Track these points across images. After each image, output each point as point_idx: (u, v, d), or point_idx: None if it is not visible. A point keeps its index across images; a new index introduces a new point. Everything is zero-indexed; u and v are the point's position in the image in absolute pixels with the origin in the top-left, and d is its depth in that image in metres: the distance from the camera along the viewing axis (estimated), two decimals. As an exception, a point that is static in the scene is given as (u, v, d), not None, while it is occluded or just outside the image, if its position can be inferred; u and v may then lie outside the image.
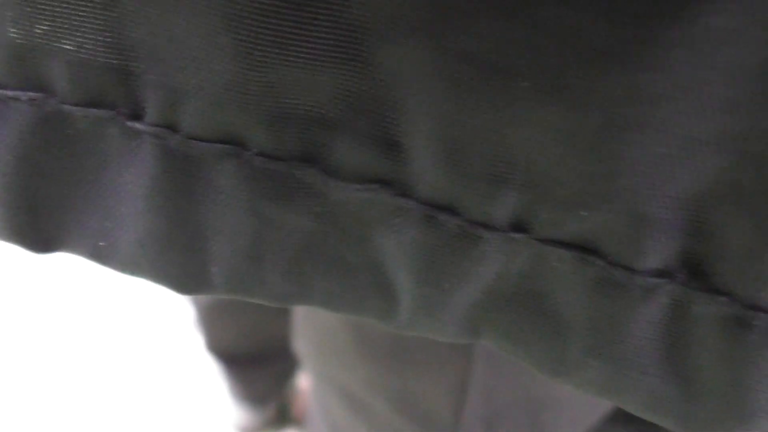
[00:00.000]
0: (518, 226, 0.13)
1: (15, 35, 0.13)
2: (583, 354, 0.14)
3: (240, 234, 0.14)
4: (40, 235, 0.15)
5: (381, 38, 0.11)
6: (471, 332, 0.15)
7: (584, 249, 0.13)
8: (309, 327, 0.34)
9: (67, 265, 0.94)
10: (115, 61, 0.13)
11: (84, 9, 0.13)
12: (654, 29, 0.10)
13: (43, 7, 0.13)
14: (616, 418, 0.33)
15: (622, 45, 0.11)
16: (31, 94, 0.14)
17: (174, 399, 0.82)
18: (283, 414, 0.81)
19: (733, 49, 0.10)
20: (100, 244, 0.15)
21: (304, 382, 0.80)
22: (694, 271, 0.13)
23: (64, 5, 0.13)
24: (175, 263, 0.15)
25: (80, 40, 0.13)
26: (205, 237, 0.14)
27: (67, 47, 0.13)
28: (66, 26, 0.13)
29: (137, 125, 0.14)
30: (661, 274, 0.13)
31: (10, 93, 0.14)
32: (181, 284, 0.15)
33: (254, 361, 0.74)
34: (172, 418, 0.80)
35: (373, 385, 0.31)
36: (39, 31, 0.13)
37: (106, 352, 0.86)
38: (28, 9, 0.13)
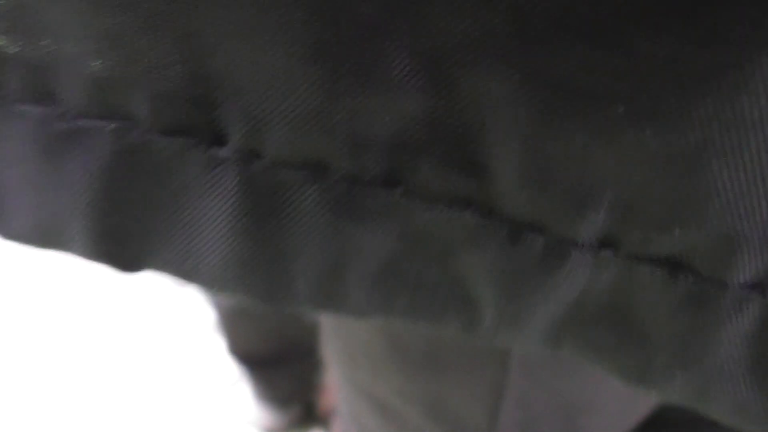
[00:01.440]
0: (607, 244, 0.13)
1: (99, 67, 0.14)
2: (669, 365, 0.14)
3: (323, 255, 0.15)
4: (126, 257, 0.16)
5: (464, 65, 0.12)
6: (554, 344, 0.15)
7: (674, 265, 0.13)
8: (339, 335, 0.34)
9: (88, 272, 0.95)
10: (197, 91, 0.13)
11: (167, 42, 0.13)
12: (752, 55, 0.10)
13: (128, 40, 0.13)
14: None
15: (719, 70, 0.11)
16: (114, 124, 0.14)
17: (198, 400, 0.82)
18: (309, 414, 0.82)
19: None
20: (186, 264, 0.16)
21: (329, 381, 0.80)
22: None
23: (149, 39, 0.13)
24: (261, 281, 0.15)
25: (163, 71, 0.13)
26: (288, 258, 0.15)
27: (151, 78, 0.13)
28: (149, 59, 0.13)
29: (220, 152, 0.14)
30: (751, 287, 0.13)
31: (95, 123, 0.14)
32: (267, 299, 0.16)
33: (276, 362, 0.74)
34: (196, 419, 0.81)
35: (406, 394, 0.30)
36: (123, 63, 0.13)
37: (129, 357, 0.87)
38: (114, 43, 0.13)
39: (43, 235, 0.16)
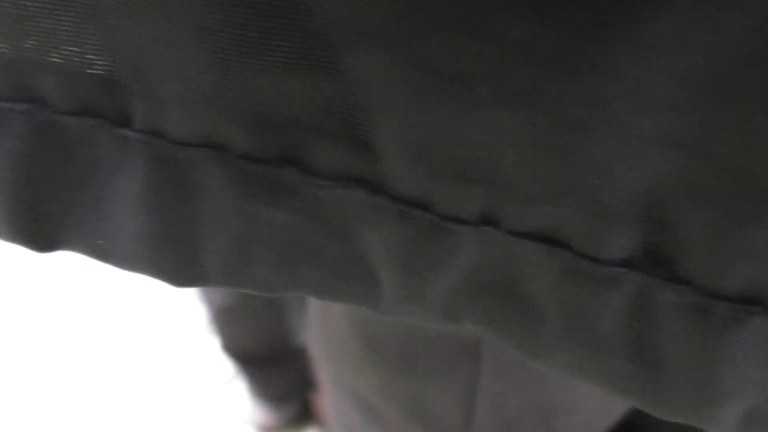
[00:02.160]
0: (487, 220, 0.14)
1: (5, 50, 0.14)
2: (556, 338, 0.15)
3: (228, 231, 0.15)
4: (41, 235, 0.16)
5: (348, 47, 0.12)
6: (452, 317, 0.16)
7: (551, 241, 0.14)
8: (321, 333, 0.34)
9: (84, 271, 0.95)
10: (101, 72, 0.14)
11: (69, 24, 0.13)
12: (600, 37, 0.11)
13: (31, 23, 0.14)
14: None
15: (570, 52, 0.11)
16: (24, 105, 0.15)
17: (193, 397, 0.83)
18: (304, 412, 0.82)
19: (676, 54, 0.11)
20: (99, 242, 0.16)
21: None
22: (656, 261, 0.13)
23: (51, 21, 0.13)
24: (169, 259, 0.16)
25: (67, 53, 0.14)
26: (195, 234, 0.15)
27: (55, 60, 0.14)
28: (53, 41, 0.14)
29: (126, 132, 0.15)
30: (624, 263, 0.14)
31: (4, 105, 0.15)
32: (176, 278, 0.16)
33: (270, 361, 0.74)
34: (191, 416, 0.81)
35: (385, 392, 0.31)
36: (28, 45, 0.14)
37: (124, 354, 0.87)
38: (17, 25, 0.14)
39: None
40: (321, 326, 0.34)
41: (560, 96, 0.12)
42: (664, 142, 0.12)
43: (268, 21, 0.12)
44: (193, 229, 0.15)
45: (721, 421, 0.15)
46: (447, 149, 0.13)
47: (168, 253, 0.16)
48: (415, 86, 0.12)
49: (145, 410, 0.81)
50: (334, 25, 0.12)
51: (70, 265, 0.96)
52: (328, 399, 0.39)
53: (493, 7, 0.11)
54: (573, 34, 0.11)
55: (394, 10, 0.12)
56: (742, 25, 0.10)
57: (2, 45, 0.14)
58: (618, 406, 0.31)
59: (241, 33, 0.13)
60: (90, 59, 0.14)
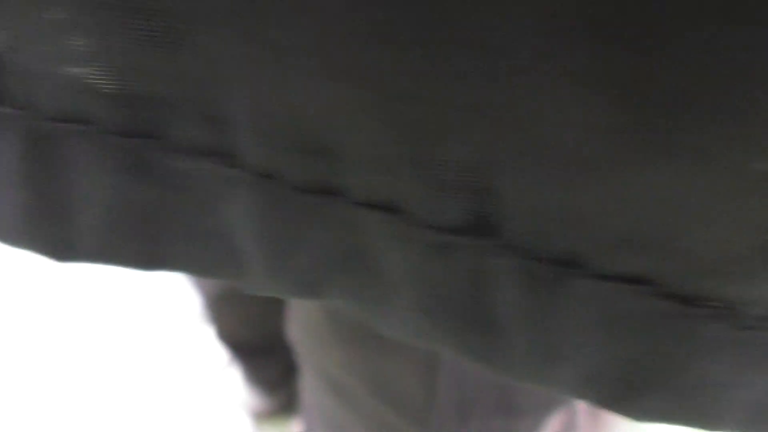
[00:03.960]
0: (333, 191, 0.15)
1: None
2: (406, 308, 0.16)
3: (100, 205, 0.16)
4: None
5: (199, 25, 0.13)
6: (317, 292, 0.16)
7: (391, 210, 0.14)
8: (296, 315, 0.34)
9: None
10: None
11: None
12: (430, 12, 0.12)
13: None
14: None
15: (394, 24, 0.12)
16: None
17: (189, 383, 0.83)
18: (297, 400, 0.82)
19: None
20: None
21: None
22: (485, 228, 0.14)
23: None
24: (45, 233, 0.17)
25: None
26: (69, 209, 0.16)
27: None
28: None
29: (0, 108, 0.15)
30: (457, 231, 0.14)
31: None
32: (54, 253, 0.17)
33: (263, 350, 0.74)
34: (186, 401, 0.82)
35: (350, 369, 0.31)
36: None
37: (120, 339, 0.87)
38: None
39: None
40: (296, 308, 0.34)
41: (386, 69, 0.12)
42: (482, 112, 0.12)
43: (125, 1, 0.13)
44: (66, 203, 0.16)
45: (563, 384, 0.15)
46: (287, 120, 0.14)
47: (45, 226, 0.16)
48: (256, 62, 0.13)
49: (141, 396, 0.82)
50: (186, 5, 0.13)
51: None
52: (305, 389, 0.40)
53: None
54: (397, 6, 0.12)
55: None
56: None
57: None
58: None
59: (103, 14, 0.13)
60: None
